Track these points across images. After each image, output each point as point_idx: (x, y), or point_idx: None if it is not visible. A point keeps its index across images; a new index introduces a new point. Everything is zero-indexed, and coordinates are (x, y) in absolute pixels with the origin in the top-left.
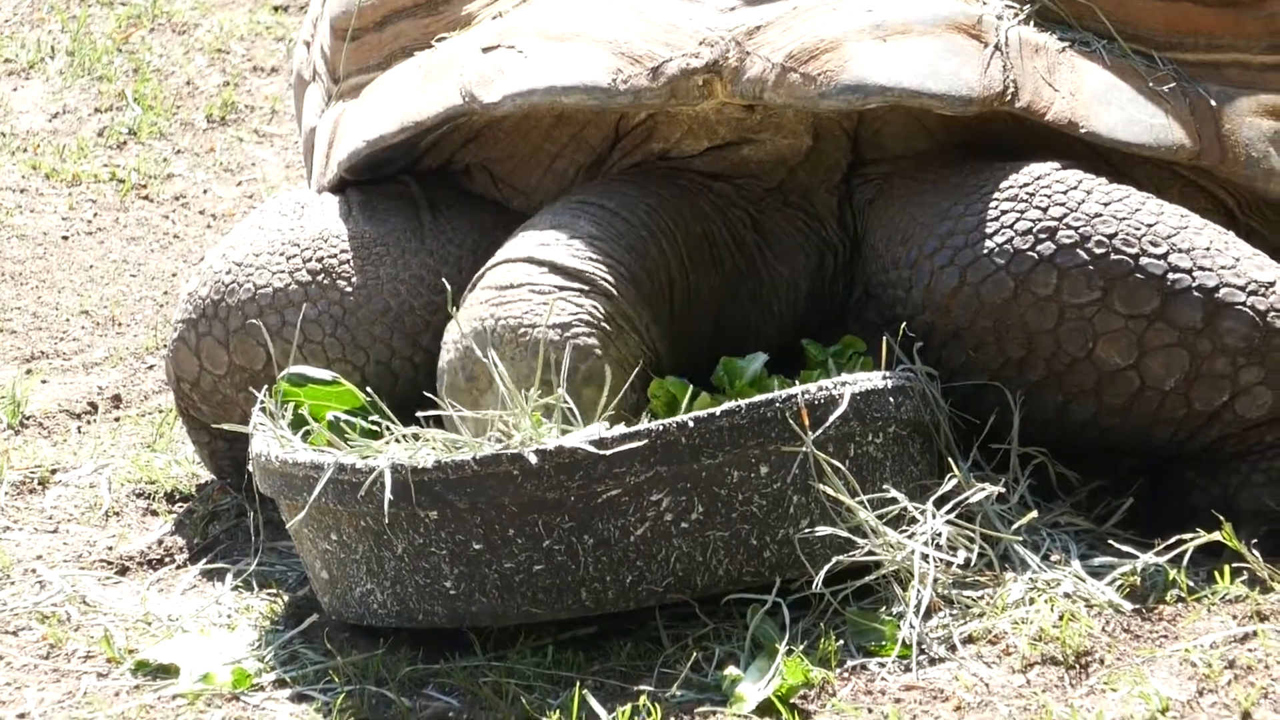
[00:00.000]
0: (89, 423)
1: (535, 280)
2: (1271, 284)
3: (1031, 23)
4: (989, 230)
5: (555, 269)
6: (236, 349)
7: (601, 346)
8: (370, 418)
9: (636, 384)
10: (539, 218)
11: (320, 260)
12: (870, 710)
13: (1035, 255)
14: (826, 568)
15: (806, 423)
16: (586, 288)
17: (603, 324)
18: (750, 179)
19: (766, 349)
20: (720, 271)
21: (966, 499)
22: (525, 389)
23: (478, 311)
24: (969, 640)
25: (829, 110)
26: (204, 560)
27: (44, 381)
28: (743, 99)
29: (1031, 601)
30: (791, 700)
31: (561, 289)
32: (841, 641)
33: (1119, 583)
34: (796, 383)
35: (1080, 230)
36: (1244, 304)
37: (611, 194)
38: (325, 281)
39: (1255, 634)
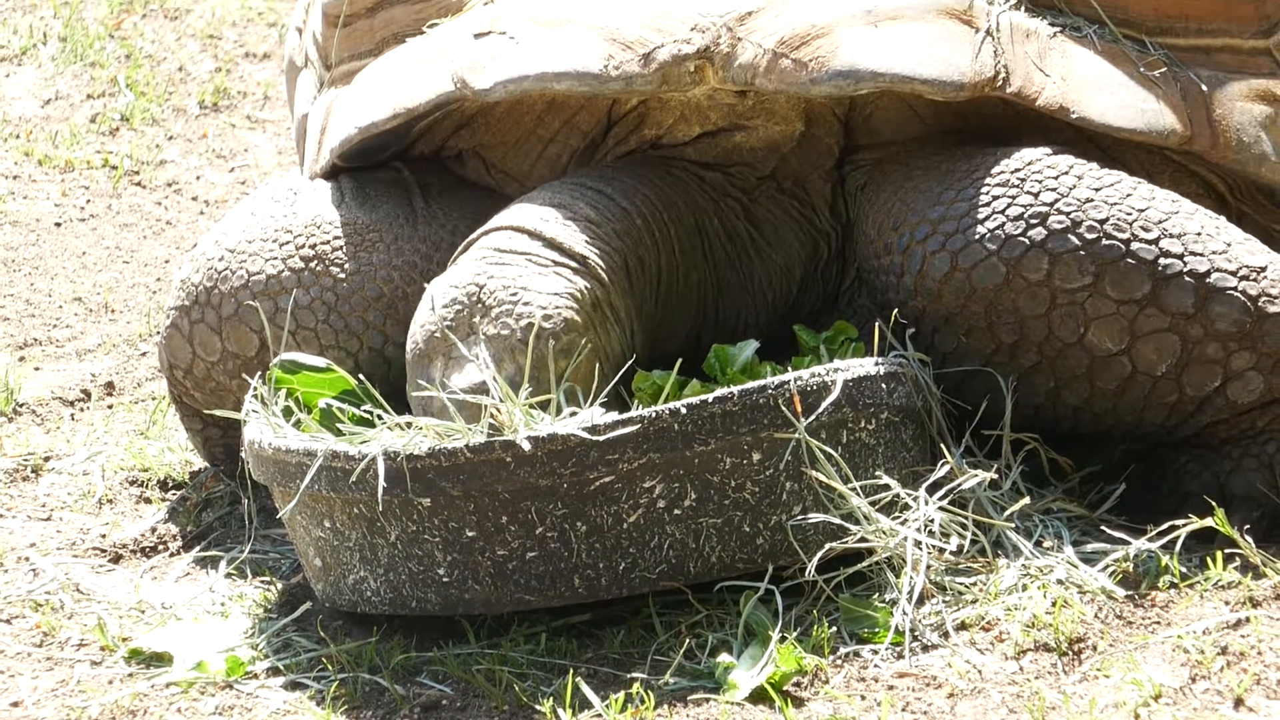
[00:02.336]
0: (82, 410)
1: (534, 252)
2: (1263, 269)
3: (1023, 8)
4: (980, 216)
5: (553, 245)
6: (229, 335)
7: (584, 328)
8: (363, 405)
9: (610, 377)
10: (538, 193)
11: (313, 247)
12: (863, 697)
13: (1027, 240)
14: (819, 554)
15: (799, 409)
16: (582, 269)
17: (589, 308)
18: (743, 167)
19: (759, 335)
20: (711, 262)
21: (959, 485)
22: (504, 356)
23: (474, 268)
24: (962, 627)
25: (820, 96)
26: (197, 548)
27: (37, 369)
28: (734, 85)
29: (1024, 588)
30: (784, 688)
31: (558, 264)
32: (834, 628)
33: (1112, 569)
34: (789, 369)
35: (1071, 215)
36: (1235, 289)
37: (609, 179)
38: (318, 268)
39: (1248, 620)
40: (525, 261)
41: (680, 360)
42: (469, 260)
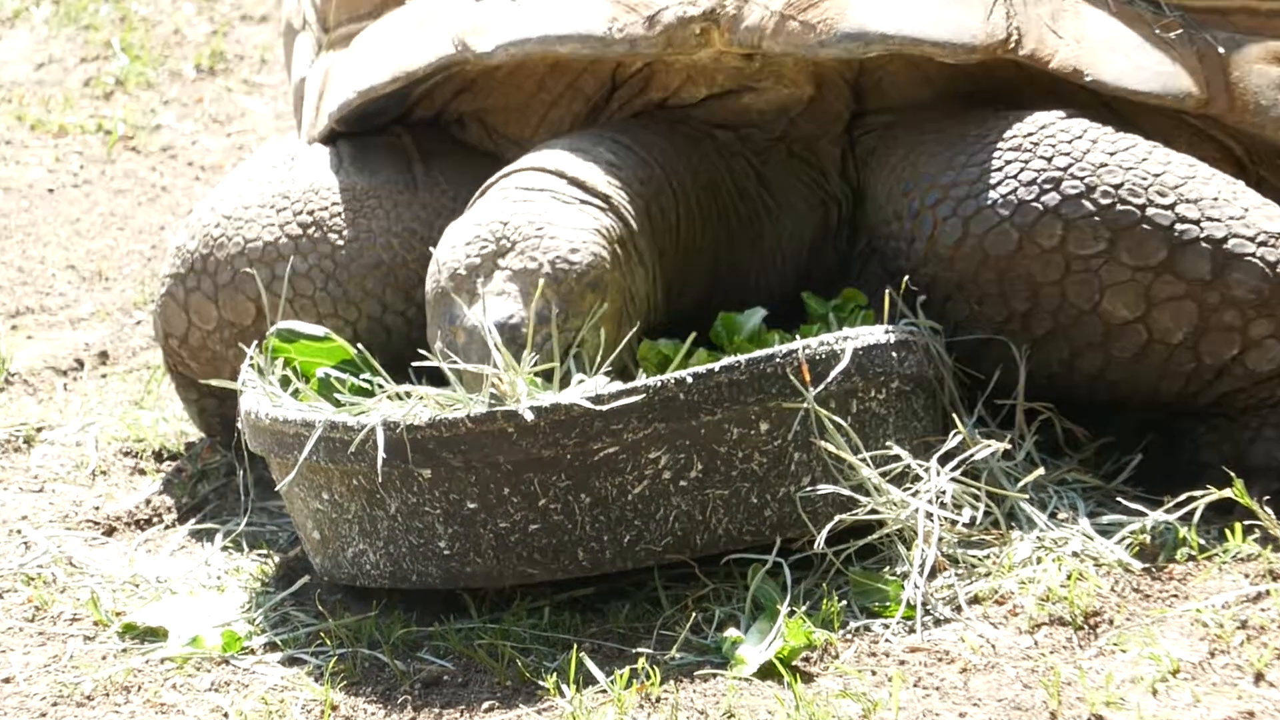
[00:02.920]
0: (75, 380)
1: (558, 189)
2: None
3: None
4: (993, 181)
5: (578, 184)
6: (225, 304)
7: (611, 264)
8: (362, 374)
9: (634, 321)
10: (556, 141)
11: (311, 213)
12: (874, 672)
13: (1040, 206)
14: (829, 527)
15: (807, 378)
16: (606, 207)
17: (616, 245)
18: (752, 129)
19: (768, 302)
20: (724, 221)
21: (971, 456)
22: (531, 290)
23: (498, 205)
24: (975, 601)
25: (829, 59)
26: (193, 520)
27: (29, 338)
28: (740, 48)
29: (1039, 561)
30: (793, 662)
31: (583, 201)
32: (844, 602)
33: (1128, 541)
34: (797, 337)
35: (1086, 180)
36: (1253, 255)
37: (624, 130)
38: (316, 235)
39: (1268, 593)
40: (550, 198)
41: (694, 334)
42: (492, 199)
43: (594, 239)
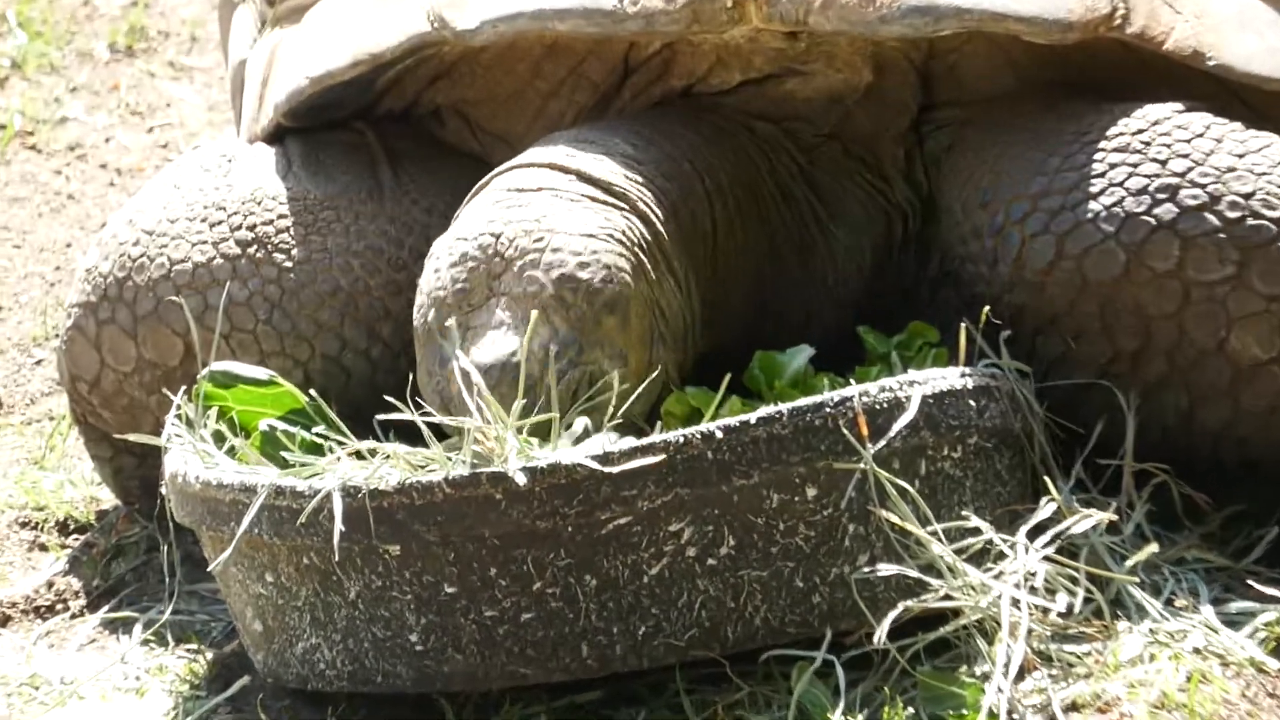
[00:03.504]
0: None
1: (561, 187)
2: None
3: None
4: (1094, 189)
5: (587, 179)
6: (146, 339)
7: (633, 276)
8: (315, 427)
9: (670, 345)
10: (559, 135)
11: (252, 228)
12: None
13: (1152, 220)
14: (891, 616)
15: (865, 433)
16: (624, 206)
17: (637, 249)
18: (798, 121)
19: (819, 334)
20: (766, 228)
21: (1068, 529)
22: (533, 318)
23: (486, 213)
24: (1072, 708)
25: (892, 38)
26: (106, 607)
27: None
28: (782, 24)
29: (1151, 659)
30: None
31: (592, 199)
32: (911, 710)
33: (1262, 634)
34: (852, 382)
35: (1209, 189)
36: None
37: (644, 121)
38: (258, 255)
39: None
40: (550, 198)
41: (729, 376)
42: (480, 205)
43: (608, 246)
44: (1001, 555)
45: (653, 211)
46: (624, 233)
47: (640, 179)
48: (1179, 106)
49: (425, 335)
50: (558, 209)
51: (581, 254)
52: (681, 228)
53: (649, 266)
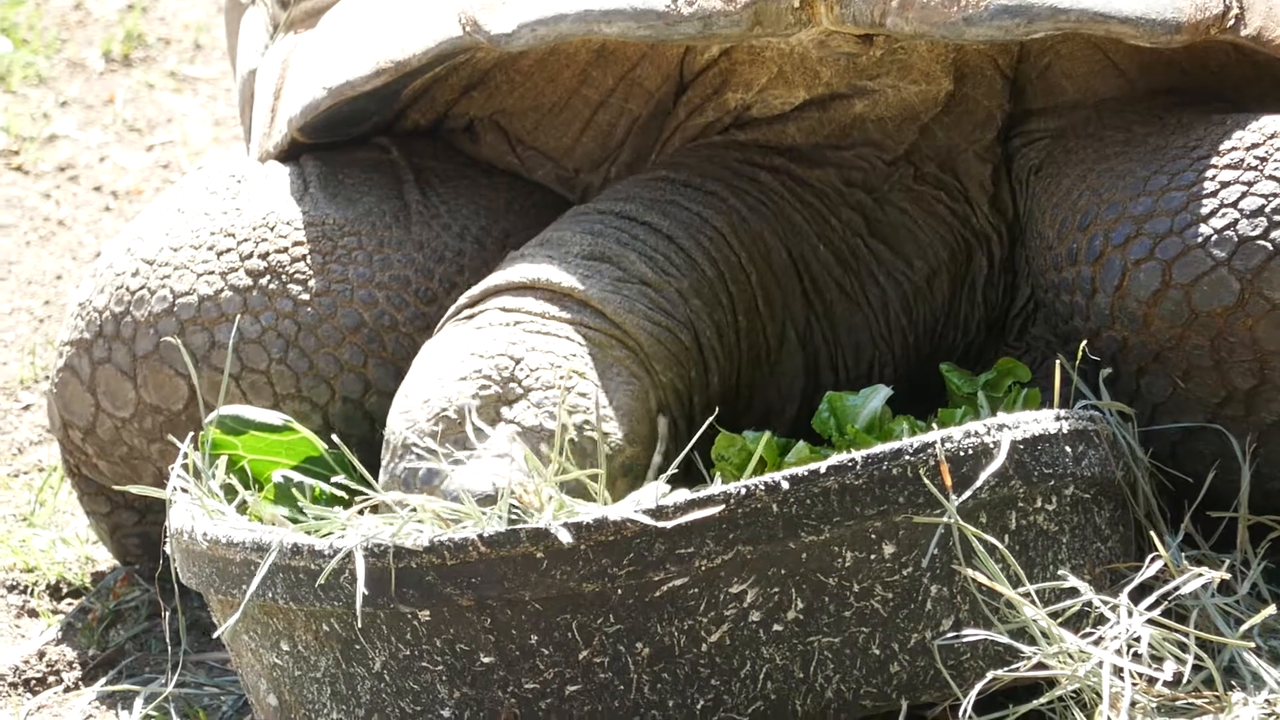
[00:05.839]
0: None
1: (586, 322)
2: None
3: None
4: (1204, 210)
5: (604, 317)
6: (147, 381)
7: (647, 442)
8: (335, 478)
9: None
10: (562, 223)
11: (264, 257)
12: None
13: (1269, 245)
14: (979, 687)
15: (949, 483)
16: (641, 357)
17: (651, 405)
18: (866, 149)
19: (892, 379)
20: (816, 305)
21: (1176, 589)
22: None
23: (501, 334)
24: None
25: (979, 42)
26: (103, 680)
27: None
28: (856, 27)
29: None
30: None
31: (618, 344)
32: None
33: None
34: (934, 426)
35: None
36: None
37: (665, 207)
38: (272, 286)
39: None
40: (578, 336)
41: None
42: (488, 323)
43: (634, 406)
44: (1102, 619)
45: (666, 352)
46: (645, 394)
47: (657, 313)
48: None
49: (404, 448)
50: (585, 352)
51: (606, 408)
52: (703, 354)
53: (653, 409)
